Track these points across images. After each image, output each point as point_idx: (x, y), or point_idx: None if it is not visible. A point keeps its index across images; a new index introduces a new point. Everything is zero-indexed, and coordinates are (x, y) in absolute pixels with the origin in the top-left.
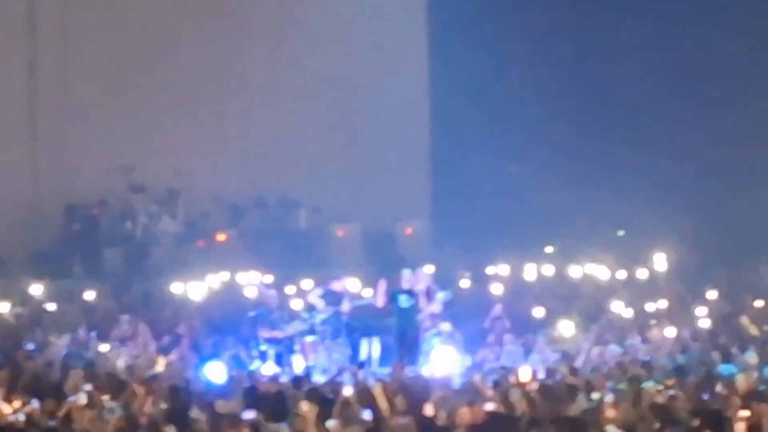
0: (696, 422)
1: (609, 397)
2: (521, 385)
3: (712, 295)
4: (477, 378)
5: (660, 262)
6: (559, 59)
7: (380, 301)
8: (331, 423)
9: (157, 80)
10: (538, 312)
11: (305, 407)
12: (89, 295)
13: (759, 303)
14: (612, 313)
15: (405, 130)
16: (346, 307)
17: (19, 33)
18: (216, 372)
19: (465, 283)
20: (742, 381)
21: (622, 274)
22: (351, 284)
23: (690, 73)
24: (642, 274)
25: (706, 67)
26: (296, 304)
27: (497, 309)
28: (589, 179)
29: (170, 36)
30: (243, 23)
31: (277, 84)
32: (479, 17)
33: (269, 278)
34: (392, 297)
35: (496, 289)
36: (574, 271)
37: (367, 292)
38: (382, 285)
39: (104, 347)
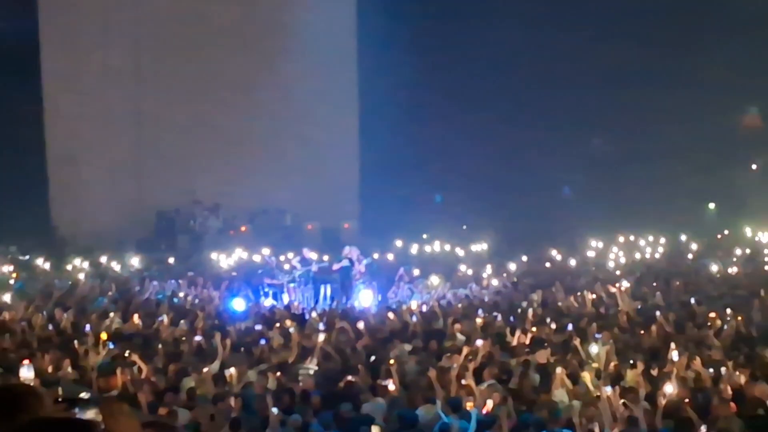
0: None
1: (459, 318)
2: (411, 311)
3: (514, 264)
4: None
5: (483, 244)
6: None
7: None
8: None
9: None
10: (418, 272)
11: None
12: (170, 260)
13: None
14: (460, 272)
15: (335, 156)
16: (315, 267)
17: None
18: (239, 304)
19: (378, 256)
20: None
21: (466, 250)
22: (311, 254)
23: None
24: (476, 250)
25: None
26: (285, 266)
27: (401, 271)
28: (451, 186)
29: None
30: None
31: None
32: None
33: (270, 252)
34: (339, 261)
35: (396, 258)
36: (438, 248)
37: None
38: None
39: (181, 290)
